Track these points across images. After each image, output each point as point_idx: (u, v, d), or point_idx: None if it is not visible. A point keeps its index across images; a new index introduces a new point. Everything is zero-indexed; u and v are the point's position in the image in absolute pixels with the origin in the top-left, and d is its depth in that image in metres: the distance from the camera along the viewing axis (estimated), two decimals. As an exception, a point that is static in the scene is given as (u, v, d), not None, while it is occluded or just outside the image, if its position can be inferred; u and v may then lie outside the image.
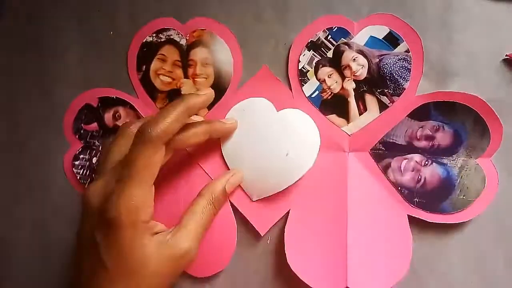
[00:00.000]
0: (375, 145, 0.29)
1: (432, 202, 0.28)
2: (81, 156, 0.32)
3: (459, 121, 0.28)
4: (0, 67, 0.34)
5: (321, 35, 0.30)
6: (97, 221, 0.24)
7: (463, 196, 0.28)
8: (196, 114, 0.31)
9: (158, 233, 0.25)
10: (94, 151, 0.32)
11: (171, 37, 0.32)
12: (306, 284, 0.28)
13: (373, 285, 0.28)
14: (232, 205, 0.31)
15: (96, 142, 0.32)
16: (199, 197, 0.27)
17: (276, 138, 0.29)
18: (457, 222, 0.28)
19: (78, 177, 0.32)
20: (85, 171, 0.32)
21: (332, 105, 0.30)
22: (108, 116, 0.32)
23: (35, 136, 0.33)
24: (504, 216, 0.28)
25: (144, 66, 0.32)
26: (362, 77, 0.29)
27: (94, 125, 0.32)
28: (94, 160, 0.32)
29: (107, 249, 0.23)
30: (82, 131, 0.32)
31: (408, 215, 0.29)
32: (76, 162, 0.32)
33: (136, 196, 0.23)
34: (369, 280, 0.28)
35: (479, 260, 0.28)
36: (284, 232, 0.29)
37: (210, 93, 0.28)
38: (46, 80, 0.33)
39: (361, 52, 0.29)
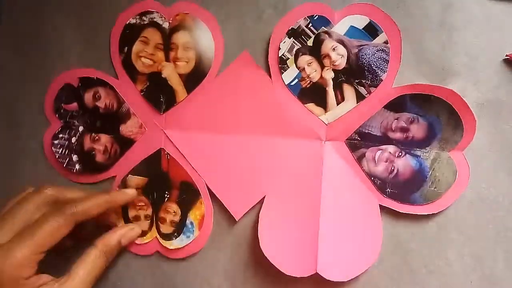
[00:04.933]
0: (351, 135, 0.30)
1: (403, 193, 0.29)
2: (60, 135, 0.32)
3: (434, 114, 0.28)
4: (0, 67, 0.34)
5: (302, 22, 0.30)
6: None
7: (434, 188, 0.28)
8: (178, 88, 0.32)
9: (43, 285, 0.25)
10: (73, 131, 0.32)
11: (154, 19, 0.32)
12: (277, 269, 0.29)
13: (341, 272, 0.28)
14: (208, 189, 0.31)
15: (76, 122, 0.32)
16: (92, 247, 0.27)
17: None
18: (427, 213, 0.28)
19: (57, 156, 0.32)
20: (63, 151, 0.32)
21: (311, 94, 0.30)
22: (88, 96, 0.32)
23: (36, 136, 0.33)
24: (504, 215, 0.28)
25: (126, 48, 0.32)
26: (341, 67, 0.30)
27: (74, 105, 0.32)
28: (73, 140, 0.32)
29: None
30: (62, 111, 0.32)
31: (380, 205, 0.29)
32: (56, 141, 0.32)
33: (24, 256, 0.24)
34: (338, 267, 0.29)
35: (479, 260, 0.28)
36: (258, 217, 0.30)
37: (133, 194, 0.30)
38: (46, 79, 0.33)
39: (341, 41, 0.29)
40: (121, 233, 0.29)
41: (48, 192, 0.27)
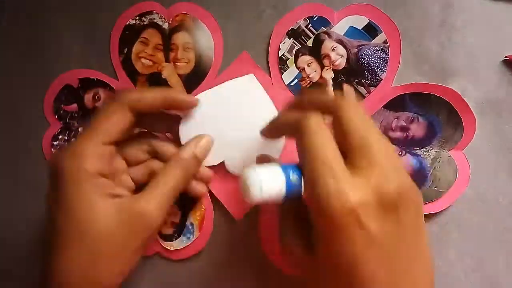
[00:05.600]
0: (351, 134, 0.30)
1: (404, 193, 0.29)
2: (60, 136, 0.32)
3: (434, 113, 0.28)
4: (0, 67, 0.34)
5: (302, 23, 0.30)
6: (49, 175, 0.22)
7: (435, 187, 0.28)
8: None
9: (117, 196, 0.23)
10: (73, 132, 0.32)
11: (154, 20, 0.32)
12: (278, 269, 0.29)
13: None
14: (209, 190, 0.31)
15: (76, 123, 0.32)
16: (167, 162, 0.25)
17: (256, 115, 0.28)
18: (428, 212, 0.28)
19: (56, 157, 0.32)
20: (63, 152, 0.32)
21: (311, 94, 0.30)
22: (88, 97, 0.32)
23: (36, 136, 0.33)
24: (504, 215, 0.28)
25: (126, 49, 0.32)
26: (340, 67, 0.30)
27: (73, 106, 0.32)
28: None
29: (55, 205, 0.22)
30: (61, 112, 0.32)
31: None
32: (55, 143, 0.32)
33: (84, 145, 0.22)
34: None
35: (480, 260, 0.28)
36: (259, 217, 0.30)
37: (195, 100, 0.27)
38: (46, 79, 0.33)
39: (340, 42, 0.30)
40: (193, 144, 0.26)
41: (129, 98, 0.24)
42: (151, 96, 0.25)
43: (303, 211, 0.21)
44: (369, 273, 0.18)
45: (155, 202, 0.23)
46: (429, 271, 0.20)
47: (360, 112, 0.20)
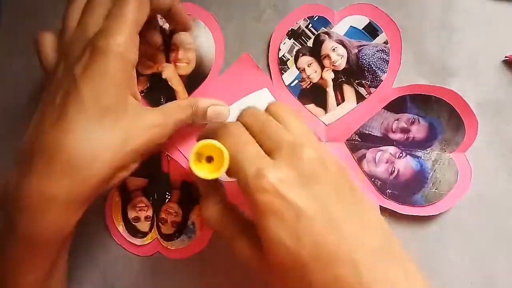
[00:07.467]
0: (351, 136, 0.30)
1: (404, 194, 0.29)
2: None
3: (435, 114, 0.28)
4: (0, 67, 0.34)
5: (302, 23, 0.30)
6: (83, 51, 0.23)
7: (436, 189, 0.28)
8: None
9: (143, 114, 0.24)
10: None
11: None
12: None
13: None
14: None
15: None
16: (184, 100, 0.28)
17: None
18: (428, 214, 0.28)
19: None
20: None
21: (311, 95, 0.30)
22: (89, 98, 0.32)
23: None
24: (504, 216, 0.28)
25: (127, 49, 0.32)
26: (341, 68, 0.29)
27: (75, 106, 0.32)
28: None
29: (87, 74, 0.22)
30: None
31: (380, 206, 0.29)
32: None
33: (125, 36, 0.23)
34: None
35: (480, 261, 0.28)
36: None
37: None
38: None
39: (340, 42, 0.29)
40: (212, 102, 0.28)
41: None
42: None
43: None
44: (310, 249, 0.18)
45: (165, 121, 0.25)
46: (377, 224, 0.20)
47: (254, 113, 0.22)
